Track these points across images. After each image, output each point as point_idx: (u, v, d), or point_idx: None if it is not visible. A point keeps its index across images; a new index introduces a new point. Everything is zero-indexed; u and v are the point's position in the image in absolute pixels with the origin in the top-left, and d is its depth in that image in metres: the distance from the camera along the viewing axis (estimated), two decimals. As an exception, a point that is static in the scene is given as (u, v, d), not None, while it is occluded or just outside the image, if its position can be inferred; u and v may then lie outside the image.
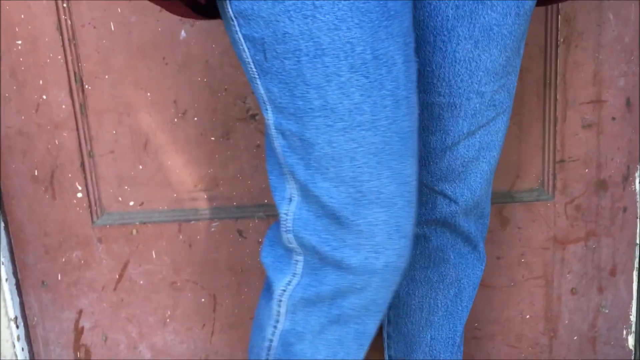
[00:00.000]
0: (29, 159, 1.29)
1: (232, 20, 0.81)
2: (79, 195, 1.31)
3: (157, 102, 1.27)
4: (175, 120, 1.28)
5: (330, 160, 0.80)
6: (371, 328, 0.91)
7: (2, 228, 1.32)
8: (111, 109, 1.28)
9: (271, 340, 0.94)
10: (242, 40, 0.81)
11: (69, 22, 1.23)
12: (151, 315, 1.38)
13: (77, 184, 1.30)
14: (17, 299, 1.36)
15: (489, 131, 0.98)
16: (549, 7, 1.24)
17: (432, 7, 0.90)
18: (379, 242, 0.82)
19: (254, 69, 0.82)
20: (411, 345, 1.14)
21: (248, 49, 0.81)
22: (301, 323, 0.90)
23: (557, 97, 1.28)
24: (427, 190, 1.02)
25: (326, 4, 0.75)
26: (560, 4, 1.24)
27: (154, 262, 1.35)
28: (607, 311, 1.40)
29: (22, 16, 1.22)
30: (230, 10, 0.80)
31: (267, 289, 0.95)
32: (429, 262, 1.08)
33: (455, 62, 0.92)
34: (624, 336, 1.41)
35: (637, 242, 1.36)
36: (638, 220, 1.34)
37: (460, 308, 1.11)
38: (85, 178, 1.30)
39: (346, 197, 0.81)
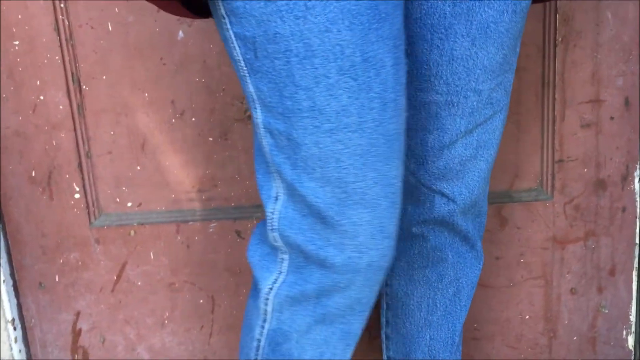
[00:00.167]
0: (26, 159, 1.29)
1: (224, 18, 0.81)
2: (77, 196, 1.31)
3: (154, 102, 1.27)
4: (173, 120, 1.28)
5: (317, 161, 0.81)
6: (356, 328, 0.92)
7: (0, 229, 1.31)
8: (109, 110, 1.27)
9: (259, 340, 0.95)
10: (233, 38, 0.82)
11: (67, 22, 1.23)
12: (149, 316, 1.38)
13: (74, 184, 1.30)
14: (15, 301, 1.35)
15: (487, 129, 0.98)
16: (547, 6, 1.24)
17: (429, 4, 0.90)
18: (363, 242, 0.84)
19: (244, 67, 0.82)
20: (410, 345, 1.14)
21: (239, 47, 0.81)
22: (287, 322, 0.91)
23: (556, 96, 1.28)
24: (425, 190, 1.02)
25: (318, 4, 0.75)
26: (558, 3, 1.23)
27: (152, 263, 1.34)
28: (606, 311, 1.40)
29: (20, 16, 1.22)
30: (222, 8, 0.80)
31: (254, 288, 0.95)
32: (427, 261, 1.08)
33: (453, 60, 0.92)
34: (624, 336, 1.41)
35: (637, 241, 1.35)
36: (637, 219, 1.34)
37: (459, 307, 1.10)
38: (82, 179, 1.30)
39: (331, 197, 0.82)
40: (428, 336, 1.12)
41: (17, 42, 1.23)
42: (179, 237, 1.33)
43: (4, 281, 1.32)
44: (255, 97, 0.83)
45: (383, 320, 1.17)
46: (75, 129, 1.28)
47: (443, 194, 1.01)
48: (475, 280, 1.10)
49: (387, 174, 0.83)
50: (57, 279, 1.35)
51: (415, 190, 1.03)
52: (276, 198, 0.87)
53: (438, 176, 1.00)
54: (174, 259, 1.34)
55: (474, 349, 1.41)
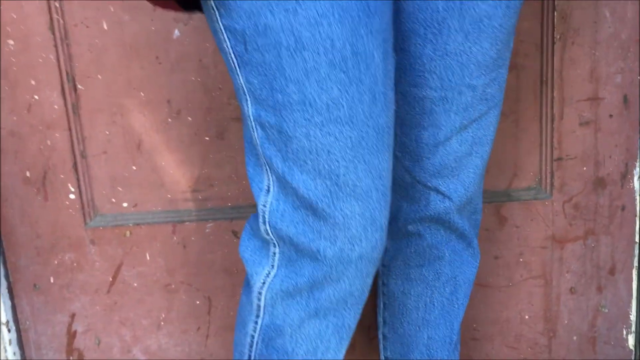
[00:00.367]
0: (21, 159, 1.28)
1: (214, 11, 0.81)
2: (72, 196, 1.30)
3: (150, 101, 1.26)
4: (169, 120, 1.27)
5: (308, 154, 0.82)
6: (350, 321, 0.92)
7: (-6, 230, 1.31)
8: (104, 109, 1.27)
9: (253, 336, 0.95)
10: (223, 31, 0.82)
11: (61, 21, 1.22)
12: (145, 318, 1.37)
13: (69, 185, 1.29)
14: (9, 303, 1.34)
15: (481, 125, 0.98)
16: (545, 4, 1.23)
17: None
18: (354, 233, 0.84)
19: (234, 60, 0.82)
20: (408, 345, 1.13)
21: (229, 39, 0.82)
22: (281, 317, 0.91)
23: (554, 94, 1.27)
24: (421, 187, 1.02)
25: None
26: (556, 1, 1.23)
27: (148, 264, 1.34)
28: (606, 311, 1.39)
29: (14, 15, 1.21)
30: (211, 0, 0.80)
31: (247, 284, 0.96)
32: (423, 260, 1.08)
33: (446, 54, 0.92)
34: (624, 336, 1.40)
35: (636, 240, 1.35)
36: (637, 218, 1.33)
37: (456, 306, 1.10)
38: (77, 179, 1.29)
39: (323, 189, 0.83)
40: (426, 335, 1.11)
41: (11, 42, 1.22)
42: (175, 238, 1.33)
43: (-1, 282, 1.31)
44: (245, 90, 0.84)
45: (380, 320, 1.16)
46: (70, 129, 1.27)
47: (438, 191, 1.01)
48: (472, 278, 1.10)
49: (377, 167, 0.83)
50: (52, 280, 1.34)
51: (411, 187, 1.02)
52: (267, 190, 0.88)
53: (433, 173, 1.00)
54: (170, 259, 1.34)
55: (473, 349, 1.40)
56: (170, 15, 1.22)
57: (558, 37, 1.24)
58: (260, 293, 0.92)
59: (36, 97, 1.25)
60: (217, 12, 0.81)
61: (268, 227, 0.88)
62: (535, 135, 1.30)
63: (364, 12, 0.78)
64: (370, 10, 0.78)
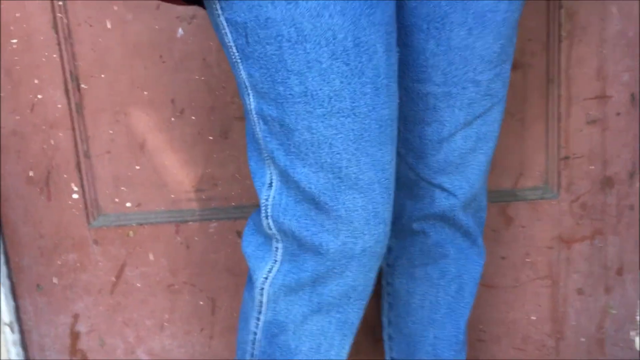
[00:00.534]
0: (24, 159, 1.28)
1: (215, 4, 0.81)
2: (75, 196, 1.30)
3: (154, 101, 1.26)
4: (173, 119, 1.27)
5: (310, 146, 0.81)
6: (353, 318, 0.92)
7: (-3, 230, 1.30)
8: (107, 108, 1.26)
9: (255, 333, 0.94)
10: (225, 24, 0.82)
11: (65, 20, 1.22)
12: (148, 319, 1.36)
13: (72, 184, 1.29)
14: (12, 303, 1.34)
15: (486, 121, 0.97)
16: (551, 2, 1.23)
17: None
18: (357, 227, 0.84)
19: (236, 54, 0.82)
20: (413, 345, 1.12)
21: (230, 33, 0.82)
22: (283, 313, 0.91)
23: (561, 93, 1.26)
24: (425, 184, 1.01)
25: None
26: (562, -1, 1.22)
27: (151, 264, 1.33)
28: (614, 312, 1.37)
29: (18, 15, 1.21)
30: None
31: (249, 280, 0.95)
32: (428, 258, 1.07)
33: (450, 49, 0.91)
34: (632, 337, 1.38)
35: (645, 240, 1.34)
36: (645, 217, 1.32)
37: (462, 305, 1.09)
38: (81, 179, 1.29)
39: (325, 182, 0.82)
40: (432, 335, 1.10)
41: (15, 41, 1.22)
42: (178, 238, 1.32)
43: (1, 283, 1.30)
44: (247, 83, 0.83)
45: (385, 320, 1.15)
46: (73, 128, 1.27)
47: (443, 188, 1.00)
48: (477, 276, 1.08)
49: (380, 159, 0.83)
50: (55, 281, 1.34)
51: (415, 185, 1.01)
52: (270, 185, 0.87)
53: (437, 170, 0.99)
54: (173, 260, 1.33)
55: (479, 350, 1.39)
56: (173, 14, 1.21)
57: (565, 35, 1.23)
58: (262, 289, 0.91)
59: (39, 96, 1.25)
60: (218, 6, 0.81)
61: (270, 222, 0.88)
62: (542, 134, 1.29)
63: (366, 3, 0.77)
64: (373, 2, 0.78)
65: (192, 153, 1.28)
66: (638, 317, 1.37)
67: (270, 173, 0.87)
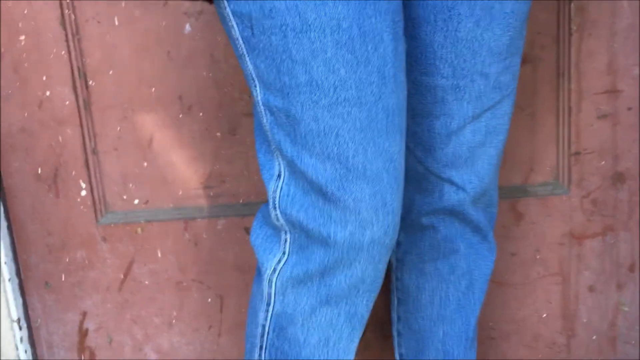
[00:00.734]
0: (32, 156, 1.28)
1: None
2: (83, 193, 1.29)
3: (161, 97, 1.26)
4: (181, 116, 1.27)
5: (316, 136, 0.81)
6: (362, 310, 0.91)
7: (5, 228, 1.30)
8: (115, 105, 1.26)
9: (264, 326, 0.94)
10: (231, 17, 0.82)
11: (73, 17, 1.22)
12: (157, 316, 1.36)
13: (80, 182, 1.29)
14: (20, 300, 1.34)
15: (495, 115, 0.97)
16: (562, -4, 1.22)
17: None
18: (365, 217, 0.83)
19: (243, 45, 0.83)
20: (423, 341, 1.12)
21: (236, 25, 0.82)
22: (291, 305, 0.90)
23: (571, 87, 1.25)
24: (434, 178, 1.00)
25: None
26: (572, -8, 1.21)
27: (159, 261, 1.33)
28: (627, 309, 1.36)
29: (25, 11, 1.21)
30: None
31: (258, 273, 0.95)
32: (438, 253, 1.06)
33: (457, 41, 0.91)
34: (645, 334, 1.38)
35: (657, 236, 1.32)
36: (657, 213, 1.31)
37: (472, 301, 1.08)
38: (89, 176, 1.29)
39: (332, 172, 0.82)
40: (441, 331, 1.09)
41: (22, 37, 1.22)
42: (186, 235, 1.31)
43: (9, 280, 1.30)
44: (254, 75, 0.84)
45: (394, 316, 1.14)
46: (81, 125, 1.26)
47: (452, 183, 0.99)
48: (488, 272, 1.08)
49: (388, 149, 0.82)
50: (63, 278, 1.34)
51: (424, 179, 1.01)
52: (278, 176, 0.87)
53: (446, 164, 0.98)
54: (181, 257, 1.33)
55: (489, 348, 1.38)
56: (181, 10, 1.21)
57: (575, 28, 1.22)
58: (270, 280, 0.91)
59: (47, 93, 1.25)
60: None
61: (278, 213, 0.88)
62: (552, 129, 1.28)
63: None
64: None
65: (200, 150, 1.28)
66: (650, 314, 1.36)
67: (279, 165, 0.87)
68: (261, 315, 0.94)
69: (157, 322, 1.36)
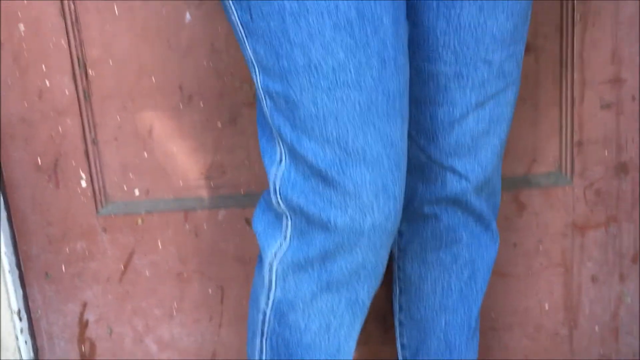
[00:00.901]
0: (32, 147, 1.27)
1: None
2: (83, 184, 1.29)
3: (162, 87, 1.25)
4: (181, 106, 1.26)
5: (315, 120, 0.81)
6: (363, 297, 0.91)
7: (5, 218, 1.29)
8: (115, 95, 1.26)
9: (265, 312, 0.94)
10: (231, 3, 0.82)
11: (72, 6, 1.21)
12: (157, 307, 1.35)
13: (81, 172, 1.28)
14: (20, 291, 1.33)
15: (499, 103, 0.96)
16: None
17: None
18: (366, 202, 0.83)
19: (242, 31, 0.83)
20: (424, 331, 1.11)
21: (236, 10, 0.82)
22: (292, 290, 0.90)
23: (575, 77, 1.24)
24: (436, 167, 1.00)
25: None
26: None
27: (160, 252, 1.32)
28: (629, 300, 1.36)
29: (25, 1, 1.20)
30: None
31: (260, 260, 0.95)
32: (440, 242, 1.05)
33: (460, 28, 0.90)
34: (648, 326, 1.37)
35: (660, 226, 1.32)
36: (661, 203, 1.30)
37: (475, 290, 1.08)
38: (89, 166, 1.28)
39: (332, 157, 0.82)
40: (443, 321, 1.09)
41: (22, 26, 1.21)
42: (187, 226, 1.31)
43: (9, 271, 1.30)
44: (253, 60, 0.84)
45: (396, 305, 1.14)
46: (81, 115, 1.26)
47: (455, 171, 0.99)
48: (491, 262, 1.07)
49: (389, 133, 0.82)
50: (63, 269, 1.33)
51: (426, 167, 1.00)
52: (279, 162, 0.87)
53: (449, 152, 0.98)
54: (182, 248, 1.32)
55: (491, 339, 1.38)
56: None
57: (578, 17, 1.22)
58: (271, 265, 0.91)
59: (47, 82, 1.24)
60: None
61: (279, 198, 0.88)
62: (555, 119, 1.27)
63: None
64: None
65: (200, 140, 1.27)
66: (653, 305, 1.36)
67: (280, 151, 0.87)
68: (263, 301, 0.94)
69: (158, 313, 1.36)
